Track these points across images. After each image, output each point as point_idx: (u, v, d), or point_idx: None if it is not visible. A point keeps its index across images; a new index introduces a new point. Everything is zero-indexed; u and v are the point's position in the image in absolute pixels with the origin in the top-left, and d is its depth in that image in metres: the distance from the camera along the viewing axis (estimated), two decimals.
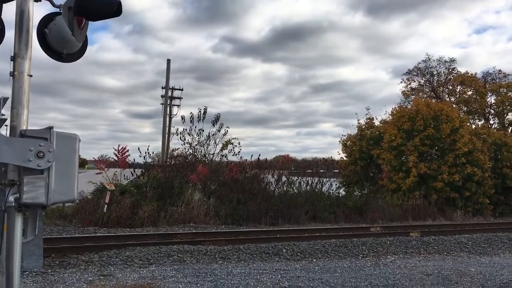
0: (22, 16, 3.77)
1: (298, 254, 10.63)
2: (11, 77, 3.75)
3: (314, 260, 10.28)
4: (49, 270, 7.69)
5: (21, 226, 3.76)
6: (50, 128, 3.87)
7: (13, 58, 3.73)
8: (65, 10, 3.84)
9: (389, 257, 11.10)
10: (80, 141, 4.16)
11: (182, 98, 35.75)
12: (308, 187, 19.90)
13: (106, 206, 14.53)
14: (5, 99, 3.68)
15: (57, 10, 4.31)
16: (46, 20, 4.23)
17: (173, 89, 34.48)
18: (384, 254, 11.34)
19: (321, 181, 20.69)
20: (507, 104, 33.08)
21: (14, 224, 3.65)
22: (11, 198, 3.67)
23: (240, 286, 7.26)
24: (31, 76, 3.81)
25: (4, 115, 3.65)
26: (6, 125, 3.83)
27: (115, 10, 3.94)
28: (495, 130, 29.92)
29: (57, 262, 8.39)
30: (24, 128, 3.78)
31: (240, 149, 20.77)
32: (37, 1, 4.01)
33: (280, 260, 10.05)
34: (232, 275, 8.06)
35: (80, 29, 4.06)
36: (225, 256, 9.90)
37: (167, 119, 32.14)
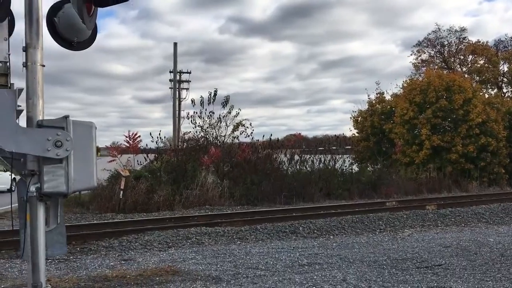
0: (31, 6, 3.75)
1: (315, 231, 10.68)
2: (24, 68, 3.75)
3: (331, 237, 10.33)
4: (71, 257, 7.82)
5: (43, 215, 3.81)
6: (66, 117, 3.87)
7: (25, 49, 3.72)
8: None
9: (406, 231, 11.11)
10: (96, 128, 4.17)
11: (190, 81, 35.64)
12: (321, 165, 19.89)
13: (121, 192, 14.69)
14: (20, 90, 3.69)
15: None
16: (55, 9, 4.20)
17: (180, 72, 34.37)
18: (401, 228, 11.35)
19: (334, 158, 20.65)
20: None
21: (36, 213, 3.69)
22: (33, 188, 3.71)
23: (260, 265, 7.32)
24: (44, 66, 3.81)
25: (20, 106, 3.66)
26: (22, 116, 3.84)
27: None
28: (509, 99, 29.51)
29: (78, 248, 8.52)
30: (40, 118, 3.79)
31: (253, 130, 20.73)
32: None
33: (297, 238, 10.11)
34: (251, 255, 8.13)
35: (90, 16, 4.03)
36: (243, 236, 9.99)
37: (177, 103, 32.16)
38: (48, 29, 4.20)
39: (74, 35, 4.21)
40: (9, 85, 3.80)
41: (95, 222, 11.76)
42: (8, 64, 3.83)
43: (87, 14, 3.97)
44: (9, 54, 3.84)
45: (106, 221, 11.98)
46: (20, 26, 3.95)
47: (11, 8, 3.95)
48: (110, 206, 14.58)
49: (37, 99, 3.76)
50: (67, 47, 4.28)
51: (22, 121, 3.73)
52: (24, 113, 3.80)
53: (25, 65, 3.77)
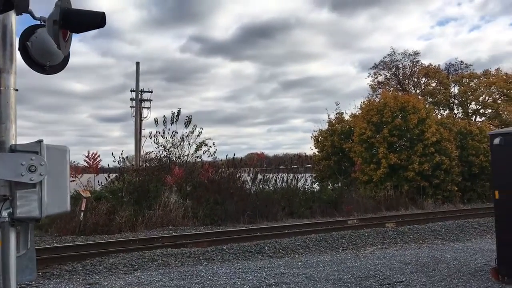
0: (5, 31, 3.76)
1: (280, 250, 10.81)
2: None
3: (297, 256, 10.48)
4: (33, 282, 7.60)
5: (15, 241, 3.77)
6: (40, 142, 3.88)
7: None
8: (50, 24, 3.85)
9: (368, 248, 11.41)
10: (69, 152, 4.18)
11: (152, 100, 35.41)
12: (283, 184, 20.13)
13: (82, 213, 14.35)
14: None
15: (37, 22, 4.31)
16: (28, 33, 4.22)
17: (142, 91, 34.10)
18: (363, 246, 11.65)
19: (295, 177, 20.95)
20: (469, 93, 34.22)
21: (8, 239, 3.66)
22: (5, 213, 3.67)
23: (227, 286, 7.36)
24: (17, 90, 3.82)
25: None
26: None
27: (99, 21, 3.98)
28: (460, 120, 30.93)
29: (40, 273, 8.28)
30: (13, 142, 3.78)
31: (216, 149, 20.82)
32: (19, 15, 4.01)
33: (263, 257, 10.20)
34: (218, 276, 8.15)
35: (65, 41, 4.08)
36: (209, 257, 9.98)
37: (138, 122, 31.81)
38: (21, 53, 4.21)
39: (47, 59, 4.23)
40: None
41: (55, 245, 11.43)
42: None
43: (63, 39, 4.02)
44: None
45: (67, 244, 11.65)
46: None
47: None
48: (70, 228, 14.17)
49: (10, 123, 3.75)
50: (39, 71, 4.30)
51: None
52: None
53: None
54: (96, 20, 4.00)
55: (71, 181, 16.06)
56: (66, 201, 4.13)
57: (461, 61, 37.13)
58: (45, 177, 3.78)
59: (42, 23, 4.17)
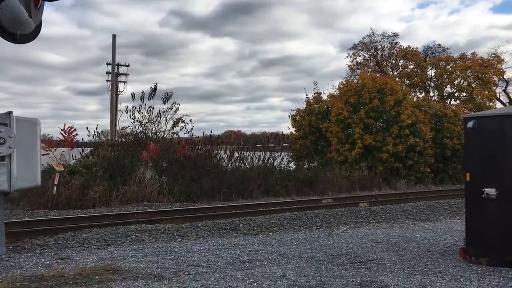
0: None
1: (255, 228, 10.89)
2: None
3: (271, 233, 10.59)
4: (3, 256, 7.48)
5: None
6: (9, 113, 3.76)
7: None
8: None
9: (341, 227, 11.61)
10: (40, 125, 4.06)
11: (128, 74, 34.85)
12: (260, 162, 20.19)
13: (55, 187, 14.14)
14: None
15: None
16: None
17: (118, 65, 33.48)
18: (336, 225, 11.84)
19: (272, 155, 21.03)
20: (445, 77, 34.68)
21: None
22: None
23: (201, 262, 7.39)
24: None
25: None
26: None
27: None
28: (435, 102, 31.41)
29: (11, 247, 8.14)
30: None
31: (193, 126, 20.67)
32: None
33: (238, 235, 10.27)
34: (192, 252, 8.17)
35: (37, 9, 3.93)
36: (184, 233, 9.99)
37: (114, 96, 31.29)
38: None
39: (18, 28, 4.06)
40: None
41: (27, 219, 11.26)
42: None
43: (34, 7, 3.87)
44: None
45: (39, 218, 11.50)
46: None
47: None
48: (42, 202, 13.99)
49: None
50: (9, 40, 4.13)
51: None
52: None
53: None
54: None
55: (44, 154, 15.75)
56: (36, 175, 4.05)
57: (439, 44, 37.51)
58: (15, 150, 3.68)
59: None
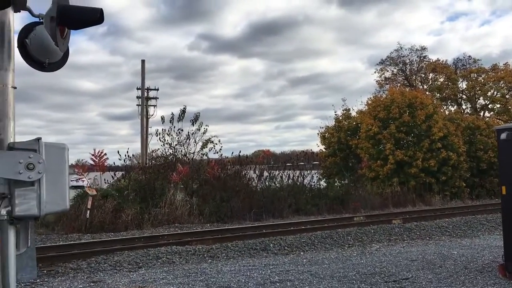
0: (3, 28, 3.73)
1: (286, 248, 10.76)
2: None
3: (302, 253, 10.43)
4: (38, 280, 7.61)
5: (14, 239, 3.76)
6: (38, 139, 3.86)
7: None
8: (47, 20, 3.83)
9: (374, 245, 11.34)
10: (68, 150, 4.15)
11: (158, 98, 35.45)
12: (289, 181, 20.07)
13: (88, 211, 14.39)
14: None
15: (36, 19, 4.28)
16: (26, 31, 4.19)
17: (148, 89, 34.17)
18: (369, 243, 11.58)
19: (302, 174, 20.88)
20: (477, 89, 33.92)
21: (7, 237, 3.64)
22: (3, 212, 3.66)
23: (232, 284, 7.33)
24: (15, 88, 3.79)
25: None
26: None
27: (97, 18, 3.94)
28: (468, 115, 30.67)
29: (45, 271, 8.29)
30: (12, 140, 3.76)
31: (221, 147, 20.78)
32: (17, 12, 3.98)
33: (268, 255, 10.16)
34: (223, 273, 8.12)
35: (63, 38, 4.05)
36: (214, 254, 9.97)
37: (144, 120, 31.88)
38: (19, 51, 4.18)
39: (46, 57, 4.19)
40: None
41: (61, 243, 11.47)
42: None
43: (60, 36, 3.99)
44: None
45: (73, 242, 11.70)
46: None
47: None
48: (76, 226, 14.23)
49: (8, 121, 3.72)
50: (38, 69, 4.26)
51: None
52: None
53: None
54: (93, 16, 3.96)
55: (78, 179, 16.08)
56: (65, 199, 4.11)
57: (469, 56, 36.78)
58: (44, 175, 3.76)
59: (41, 20, 4.14)
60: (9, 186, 3.65)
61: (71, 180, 17.67)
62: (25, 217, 3.79)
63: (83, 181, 17.16)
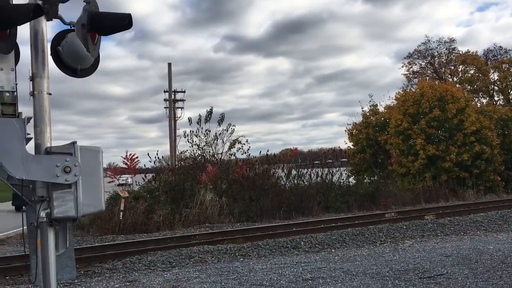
0: (36, 37, 3.87)
1: (317, 245, 10.73)
2: (31, 97, 3.85)
3: (333, 250, 10.38)
4: (76, 281, 7.83)
5: (54, 240, 3.89)
6: (74, 143, 3.98)
7: (31, 78, 3.83)
8: (78, 28, 3.94)
9: (407, 241, 11.19)
10: (103, 153, 4.27)
11: (185, 100, 35.89)
12: (318, 179, 19.97)
13: (121, 213, 14.69)
14: (29, 119, 3.79)
15: (68, 27, 4.41)
16: (59, 38, 4.32)
17: (175, 91, 34.61)
18: (401, 239, 11.43)
19: (330, 171, 20.75)
20: (510, 79, 32.98)
21: (47, 238, 3.77)
22: (43, 214, 3.79)
23: (264, 282, 7.37)
24: (50, 94, 3.92)
25: (29, 134, 3.76)
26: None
27: (126, 23, 4.04)
28: (500, 107, 29.86)
29: (82, 272, 8.53)
30: (48, 145, 3.89)
31: (249, 147, 20.86)
32: (49, 20, 4.11)
33: (299, 253, 10.16)
34: (255, 272, 8.17)
35: (94, 44, 4.16)
36: (245, 253, 10.03)
37: (172, 122, 32.30)
38: (53, 58, 4.32)
39: (78, 63, 4.32)
40: (17, 114, 3.88)
41: (97, 244, 11.75)
42: (15, 93, 3.90)
43: (91, 42, 4.10)
44: (16, 84, 3.92)
45: (107, 243, 11.97)
46: (24, 52, 4.06)
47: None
48: (110, 227, 14.55)
49: (45, 126, 3.85)
50: (71, 75, 4.40)
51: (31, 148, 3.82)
52: (32, 141, 3.89)
53: (32, 94, 3.86)
54: (123, 22, 4.06)
55: (110, 182, 16.48)
56: (100, 200, 4.24)
57: (500, 46, 35.86)
58: (80, 177, 3.88)
59: (72, 27, 4.27)
60: (48, 189, 3.79)
61: (121, 179, 18.48)
62: (63, 218, 3.93)
63: (127, 179, 18.02)
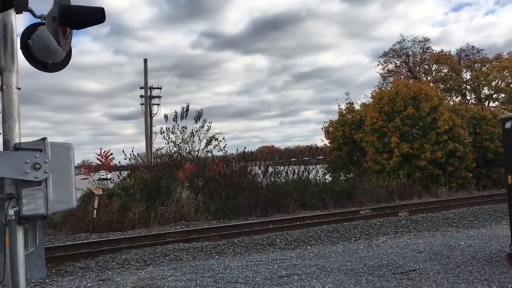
0: (5, 30, 3.76)
1: (292, 242, 10.79)
2: (0, 91, 3.75)
3: (309, 247, 10.45)
4: (47, 280, 7.69)
5: (22, 239, 3.79)
6: (43, 139, 3.89)
7: (0, 72, 3.72)
8: (49, 21, 3.84)
9: (381, 238, 11.34)
10: (74, 149, 4.18)
11: (161, 96, 35.53)
12: (294, 176, 20.07)
13: (95, 211, 14.46)
14: None
15: (38, 20, 4.30)
16: (29, 32, 4.22)
17: (151, 88, 34.23)
18: (375, 236, 11.58)
19: (307, 168, 20.88)
20: (482, 79, 33.74)
21: (16, 237, 3.68)
22: (11, 212, 3.69)
23: (239, 279, 7.36)
24: (19, 89, 3.82)
25: None
26: None
27: (99, 17, 3.95)
28: (472, 105, 30.52)
29: (54, 271, 8.37)
30: (17, 141, 3.79)
31: (226, 144, 20.80)
32: (19, 13, 4.00)
33: (275, 250, 10.19)
34: (230, 269, 8.16)
35: (65, 38, 4.07)
36: (221, 251, 10.00)
37: (148, 119, 31.96)
38: (22, 52, 4.21)
39: (49, 57, 4.22)
40: None
41: (69, 243, 11.54)
42: None
43: (62, 36, 4.00)
44: None
45: (80, 241, 11.77)
46: None
47: None
48: (83, 226, 14.30)
49: (14, 122, 3.75)
50: (42, 69, 4.29)
51: None
52: (0, 137, 3.79)
53: (1, 88, 3.76)
54: (95, 16, 3.98)
55: (83, 179, 16.14)
56: (71, 198, 4.15)
57: (473, 46, 36.64)
58: (50, 174, 3.79)
59: (43, 20, 4.16)
60: (16, 186, 3.69)
61: (101, 174, 18.24)
62: (32, 216, 3.83)
63: (107, 174, 17.87)
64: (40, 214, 3.85)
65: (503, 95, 33.63)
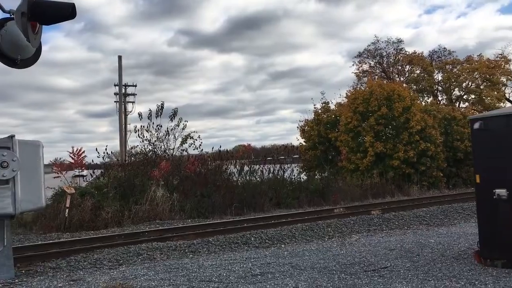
0: None
1: (267, 241, 10.83)
2: None
3: (283, 245, 10.52)
4: (16, 280, 7.50)
5: None
6: (12, 137, 3.82)
7: None
8: (18, 16, 3.77)
9: (354, 236, 11.50)
10: (43, 147, 4.11)
11: (136, 94, 35.19)
12: (270, 175, 20.16)
13: (67, 210, 14.22)
14: None
15: (7, 15, 4.21)
16: None
17: (126, 85, 33.87)
18: (348, 234, 11.73)
19: (282, 167, 20.99)
20: (453, 80, 34.53)
21: None
22: None
23: (213, 278, 7.35)
24: None
25: None
26: None
27: (69, 13, 3.89)
28: (444, 106, 31.21)
29: (23, 271, 8.17)
30: None
31: (201, 142, 20.72)
32: None
33: (249, 248, 10.21)
34: (204, 268, 8.14)
35: (35, 34, 3.99)
36: (195, 249, 9.97)
37: (123, 117, 31.58)
38: None
39: (18, 53, 4.14)
40: None
41: (40, 242, 11.30)
42: None
43: (32, 32, 3.93)
44: None
45: (51, 241, 11.54)
46: None
47: None
48: (55, 225, 14.05)
49: None
50: (10, 65, 4.20)
51: None
52: None
53: None
54: (65, 12, 3.92)
55: (55, 177, 15.84)
56: (40, 197, 4.10)
57: (444, 48, 37.49)
58: (18, 173, 3.72)
59: (12, 15, 4.07)
60: None
61: (77, 171, 17.96)
62: (0, 215, 3.75)
63: (82, 170, 17.65)
64: (8, 213, 3.78)
65: (473, 96, 34.52)
